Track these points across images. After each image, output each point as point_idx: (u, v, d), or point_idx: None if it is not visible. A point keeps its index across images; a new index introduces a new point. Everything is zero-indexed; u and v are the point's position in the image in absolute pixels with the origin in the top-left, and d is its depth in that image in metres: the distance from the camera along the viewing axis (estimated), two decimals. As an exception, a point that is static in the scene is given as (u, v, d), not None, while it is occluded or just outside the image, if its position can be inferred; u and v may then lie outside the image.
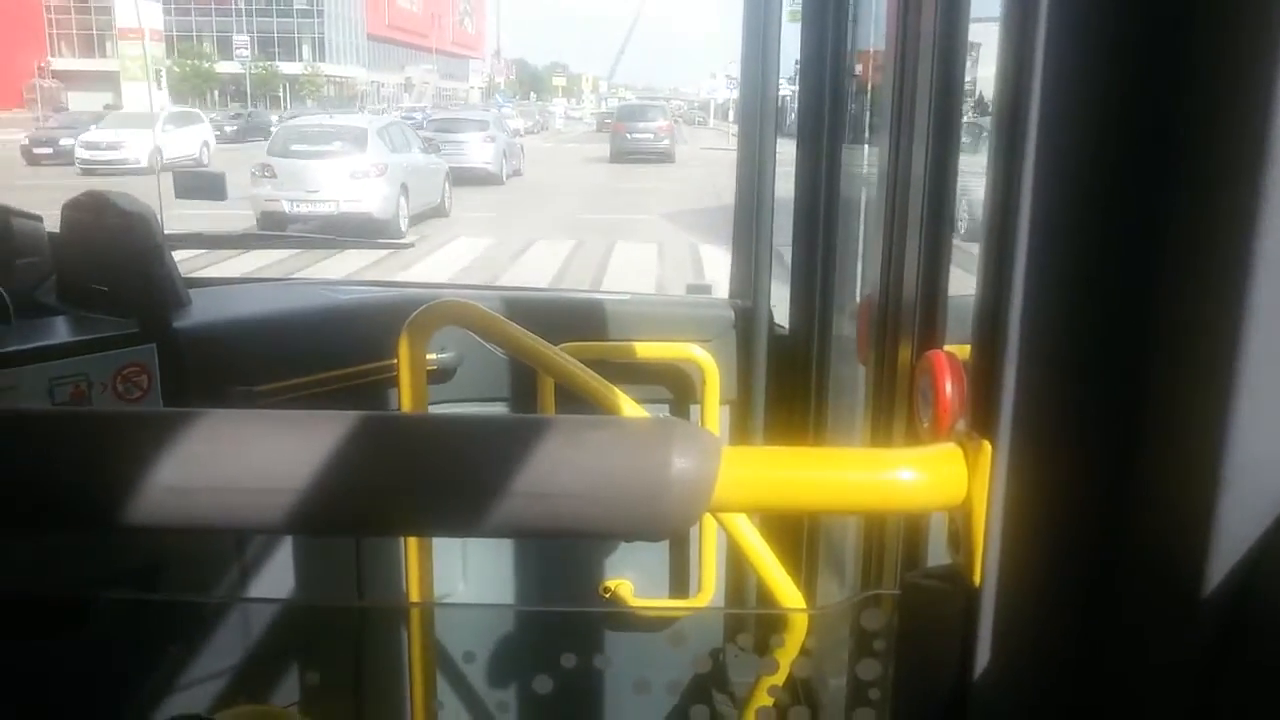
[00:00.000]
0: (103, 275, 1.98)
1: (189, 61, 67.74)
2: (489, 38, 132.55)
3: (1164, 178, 0.65)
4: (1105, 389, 0.68)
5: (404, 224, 15.85)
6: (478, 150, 22.84)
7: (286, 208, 15.10)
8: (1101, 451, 0.69)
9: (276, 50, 76.89)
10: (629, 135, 30.85)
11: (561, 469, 0.68)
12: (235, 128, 34.86)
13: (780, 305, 2.44)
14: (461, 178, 20.05)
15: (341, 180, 15.18)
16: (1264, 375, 0.59)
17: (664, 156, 30.00)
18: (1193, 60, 0.63)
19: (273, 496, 0.67)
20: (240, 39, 68.38)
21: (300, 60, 77.40)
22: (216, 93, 69.56)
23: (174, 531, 0.71)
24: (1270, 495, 0.61)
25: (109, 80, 56.05)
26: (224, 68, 70.20)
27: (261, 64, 70.67)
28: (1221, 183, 0.61)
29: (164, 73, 49.89)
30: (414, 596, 1.90)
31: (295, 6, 79.68)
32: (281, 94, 72.64)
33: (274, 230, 13.85)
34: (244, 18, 76.82)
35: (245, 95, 64.97)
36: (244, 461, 0.68)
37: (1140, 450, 0.68)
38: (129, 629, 1.30)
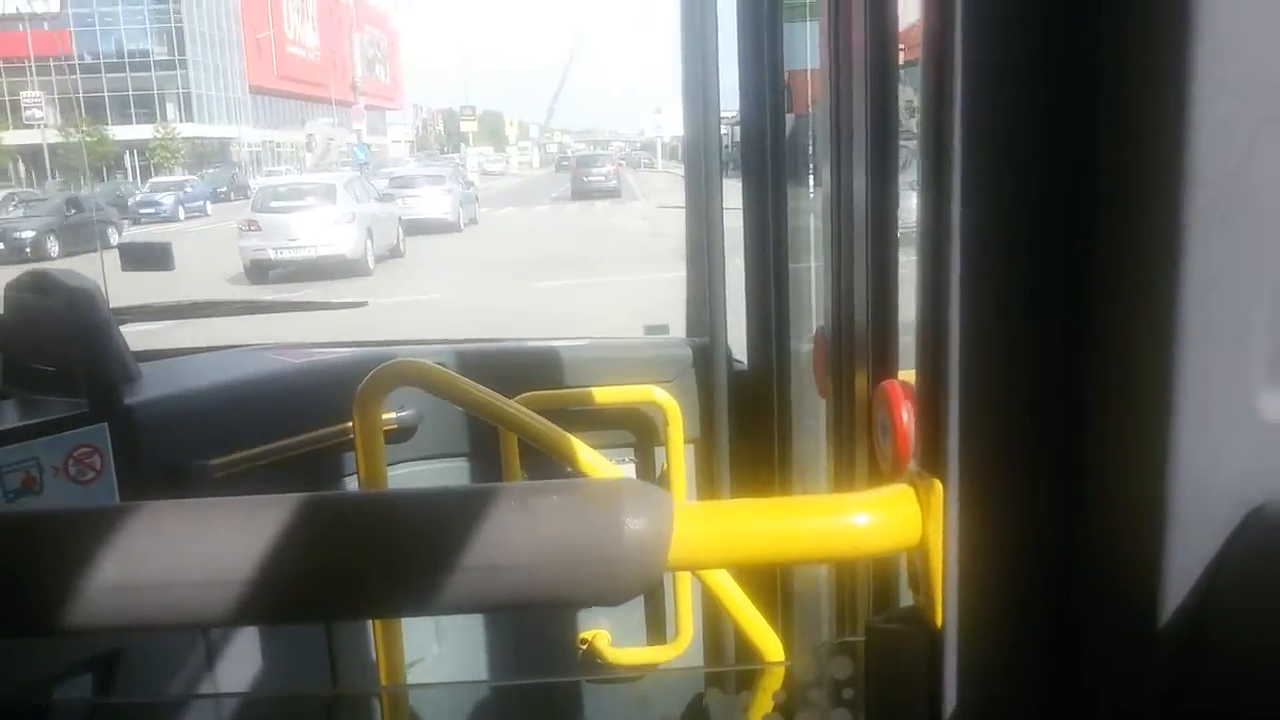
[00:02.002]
0: (49, 355, 1.94)
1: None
2: (407, 87, 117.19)
3: (1088, 202, 0.65)
4: (1049, 419, 0.68)
5: (371, 262, 18.27)
6: (436, 202, 25.18)
7: (272, 255, 17.38)
8: (1049, 484, 0.69)
9: (133, 111, 61.99)
10: (585, 178, 37.21)
11: (512, 540, 0.67)
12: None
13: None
14: (422, 228, 22.76)
15: (318, 229, 17.50)
16: (1198, 402, 0.59)
17: (612, 194, 35.74)
18: (1108, 82, 0.63)
19: (218, 589, 0.65)
20: (31, 96, 48.39)
21: (164, 120, 62.06)
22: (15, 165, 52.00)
23: (121, 631, 0.69)
24: (1219, 517, 0.61)
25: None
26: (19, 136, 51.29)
27: (85, 129, 52.49)
28: (1144, 204, 0.61)
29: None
30: (385, 676, 1.86)
31: (153, 59, 63.25)
32: (130, 162, 57.49)
33: (260, 277, 17.19)
34: (61, 75, 55.92)
35: (44, 168, 49.23)
36: (186, 555, 0.66)
37: (1088, 479, 0.67)
38: None
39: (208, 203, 36.59)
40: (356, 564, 0.67)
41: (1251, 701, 0.57)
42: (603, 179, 36.82)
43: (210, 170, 50.90)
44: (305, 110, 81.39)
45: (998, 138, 0.66)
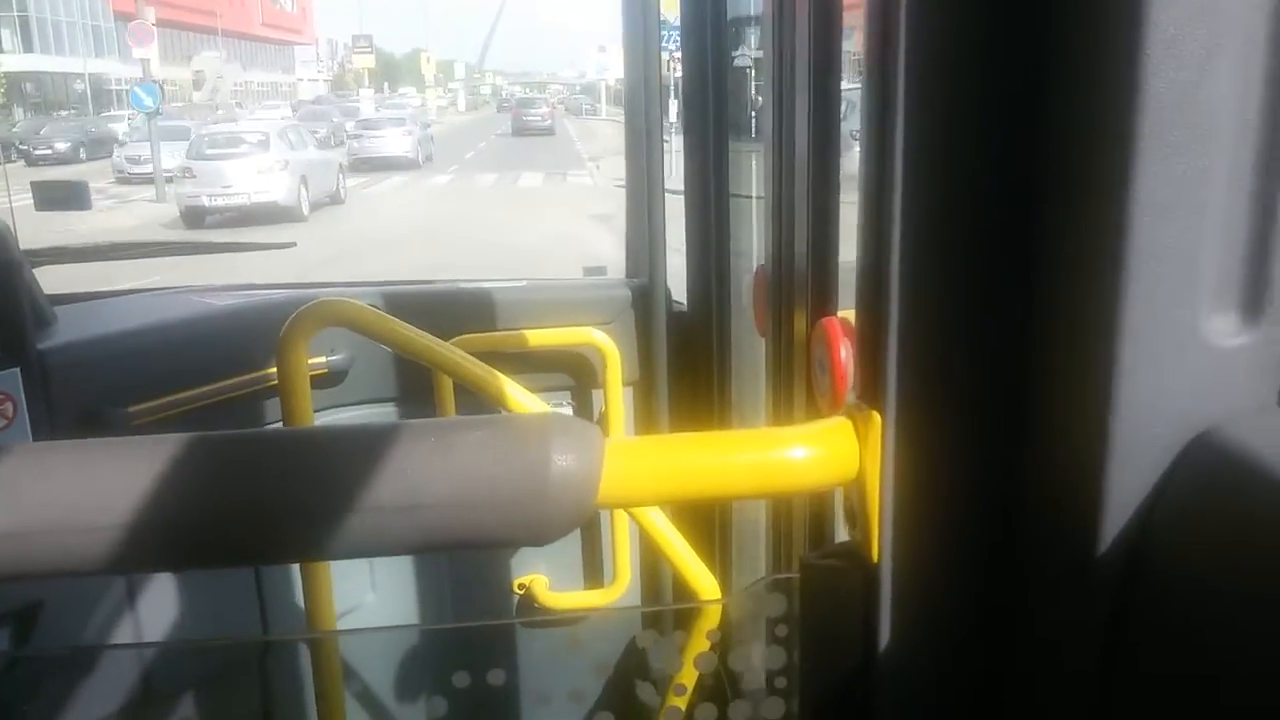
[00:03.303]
0: None
1: None
2: (319, 18, 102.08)
3: (1031, 130, 0.63)
4: (990, 353, 0.66)
5: (306, 209, 19.02)
6: (398, 142, 28.54)
7: (206, 202, 18.17)
8: (989, 416, 0.67)
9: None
10: (524, 118, 43.56)
11: (430, 477, 0.63)
12: None
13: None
14: (387, 165, 26.98)
15: (250, 176, 18.31)
16: (1144, 327, 0.58)
17: (547, 131, 41.89)
18: (1061, 17, 0.61)
19: (119, 534, 0.61)
20: None
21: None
22: None
23: (17, 579, 0.65)
24: (1162, 443, 0.60)
25: None
26: None
27: None
28: (1090, 128, 0.59)
29: None
30: (315, 622, 1.82)
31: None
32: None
33: (196, 222, 18.02)
34: None
35: None
36: (83, 497, 0.61)
37: (1028, 412, 0.66)
38: (4, 680, 1.21)
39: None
40: (268, 505, 0.64)
41: (1188, 627, 0.56)
42: (539, 119, 43.26)
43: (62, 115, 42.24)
44: (193, 43, 68.20)
45: (940, 73, 0.64)
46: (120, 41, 52.62)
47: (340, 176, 21.49)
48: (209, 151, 18.96)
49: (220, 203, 18.16)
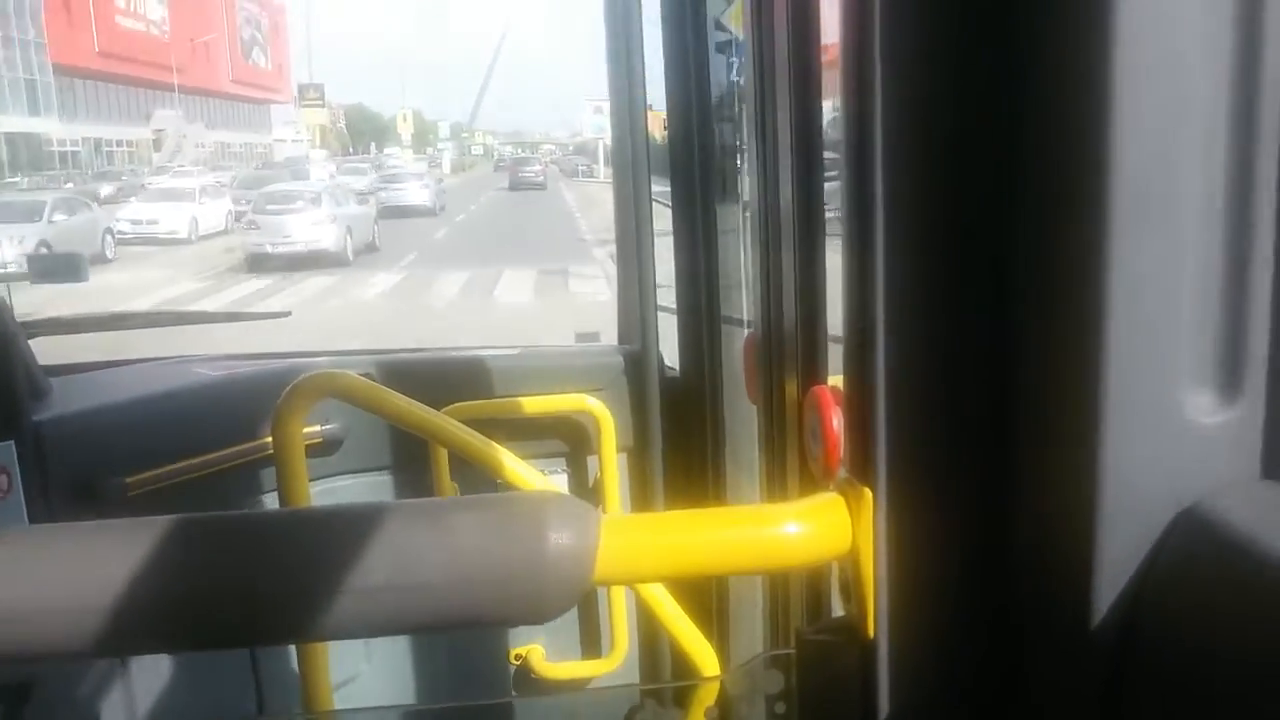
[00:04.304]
0: None
1: None
2: (295, 75, 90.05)
3: (1012, 206, 0.65)
4: (976, 424, 0.67)
5: (350, 255, 22.21)
6: (418, 194, 33.89)
7: (269, 250, 21.08)
8: (978, 489, 0.68)
9: None
10: (520, 174, 49.77)
11: (427, 558, 0.64)
12: None
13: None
14: (408, 213, 31.04)
15: (306, 227, 21.59)
16: (1125, 404, 0.59)
17: (540, 186, 47.60)
18: (1029, 86, 0.63)
19: (116, 617, 0.61)
20: None
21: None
22: None
23: (13, 663, 0.65)
24: (1150, 518, 0.61)
25: None
26: None
27: None
28: (1068, 206, 0.60)
29: None
30: (311, 700, 1.80)
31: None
32: None
33: (258, 266, 20.39)
34: None
35: None
36: (79, 579, 0.62)
37: (1018, 483, 0.67)
38: None
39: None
40: (266, 586, 0.64)
41: (1183, 696, 0.57)
42: (534, 175, 49.60)
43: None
44: (152, 101, 61.78)
45: (919, 143, 0.65)
46: (57, 98, 49.23)
47: (375, 227, 24.75)
48: (269, 207, 22.28)
49: (282, 250, 21.10)
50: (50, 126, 50.06)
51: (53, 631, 0.61)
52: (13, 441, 1.80)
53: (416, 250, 23.34)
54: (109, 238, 22.28)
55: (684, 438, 2.35)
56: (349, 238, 22.58)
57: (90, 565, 0.62)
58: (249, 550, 0.65)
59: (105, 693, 1.90)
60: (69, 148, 51.72)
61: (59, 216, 20.29)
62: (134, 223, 25.04)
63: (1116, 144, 0.57)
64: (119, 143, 57.99)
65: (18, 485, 1.81)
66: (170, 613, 0.62)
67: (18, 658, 0.63)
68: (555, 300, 15.65)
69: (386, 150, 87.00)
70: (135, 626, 0.61)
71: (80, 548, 0.63)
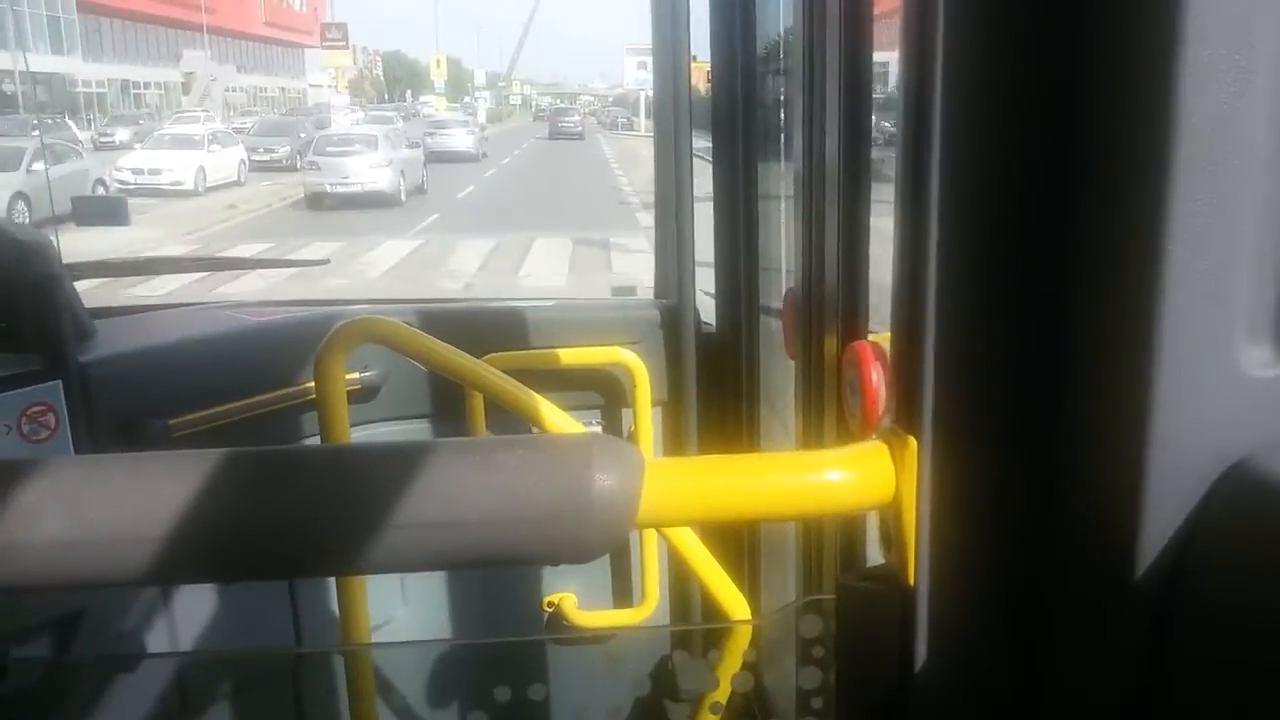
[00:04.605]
0: (0, 310, 1.88)
1: None
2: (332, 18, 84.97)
3: (1069, 158, 0.64)
4: (1025, 379, 0.67)
5: (403, 196, 23.57)
6: (462, 140, 36.02)
7: (329, 189, 22.52)
8: (1025, 441, 0.68)
9: None
10: (559, 124, 53.21)
11: (475, 495, 0.65)
12: None
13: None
14: (452, 158, 33.34)
15: (364, 169, 22.83)
16: (1180, 357, 0.59)
17: (578, 136, 51.23)
18: (1092, 35, 0.62)
19: (167, 545, 0.62)
20: None
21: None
22: None
23: (66, 588, 0.66)
24: (1198, 473, 0.60)
25: None
26: None
27: None
28: (1127, 158, 0.60)
29: None
30: (349, 635, 1.83)
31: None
32: None
33: (317, 204, 22.06)
34: None
35: None
36: (133, 509, 0.63)
37: (1063, 437, 0.67)
38: (45, 687, 1.23)
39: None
40: (314, 519, 0.65)
41: (1225, 654, 0.57)
42: (572, 125, 53.11)
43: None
44: (184, 42, 59.04)
45: (978, 100, 0.65)
46: (84, 37, 46.40)
47: (424, 171, 25.93)
48: (329, 149, 23.46)
49: (340, 190, 22.44)
50: (74, 66, 46.68)
51: (101, 559, 0.63)
52: (60, 381, 1.83)
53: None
54: (100, 189, 19.89)
55: (719, 392, 2.36)
56: (402, 180, 23.74)
57: (140, 495, 0.63)
58: (300, 483, 0.66)
59: (148, 621, 1.95)
60: (94, 89, 48.84)
61: (41, 166, 17.40)
62: (135, 172, 23.52)
63: (1179, 102, 0.56)
64: (148, 85, 55.66)
65: (65, 424, 1.84)
66: (219, 543, 0.64)
67: (66, 584, 0.64)
68: (594, 277, 13.91)
69: (423, 98, 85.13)
70: (184, 555, 0.63)
71: (132, 477, 0.64)
